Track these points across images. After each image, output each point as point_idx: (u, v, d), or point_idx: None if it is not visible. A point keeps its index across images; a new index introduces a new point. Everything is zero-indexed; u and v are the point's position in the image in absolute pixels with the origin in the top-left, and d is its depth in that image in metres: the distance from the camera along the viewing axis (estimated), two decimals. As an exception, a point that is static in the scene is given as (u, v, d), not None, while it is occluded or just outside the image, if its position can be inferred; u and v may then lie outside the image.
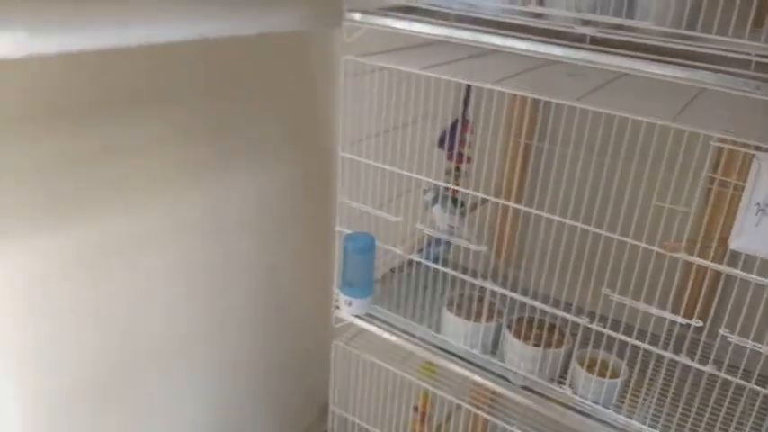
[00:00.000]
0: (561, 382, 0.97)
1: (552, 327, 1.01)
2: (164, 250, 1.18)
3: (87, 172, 1.02)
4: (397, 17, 0.94)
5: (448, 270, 1.02)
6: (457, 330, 1.04)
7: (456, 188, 1.05)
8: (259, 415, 1.59)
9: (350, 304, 1.08)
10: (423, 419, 1.29)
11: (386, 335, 1.10)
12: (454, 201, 1.08)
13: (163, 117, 1.11)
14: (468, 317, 1.03)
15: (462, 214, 1.08)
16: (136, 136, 1.08)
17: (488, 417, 1.06)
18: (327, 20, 1.22)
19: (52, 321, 1.03)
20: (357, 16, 0.97)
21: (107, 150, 1.04)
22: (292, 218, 1.45)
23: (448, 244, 1.06)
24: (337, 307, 1.15)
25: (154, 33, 0.91)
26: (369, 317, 1.12)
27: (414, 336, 1.08)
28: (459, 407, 1.24)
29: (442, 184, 1.01)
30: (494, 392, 1.09)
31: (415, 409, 1.30)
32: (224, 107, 1.21)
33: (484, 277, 0.99)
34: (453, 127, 1.06)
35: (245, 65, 1.23)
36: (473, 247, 0.99)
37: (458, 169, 1.10)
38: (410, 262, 1.21)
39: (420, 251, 1.18)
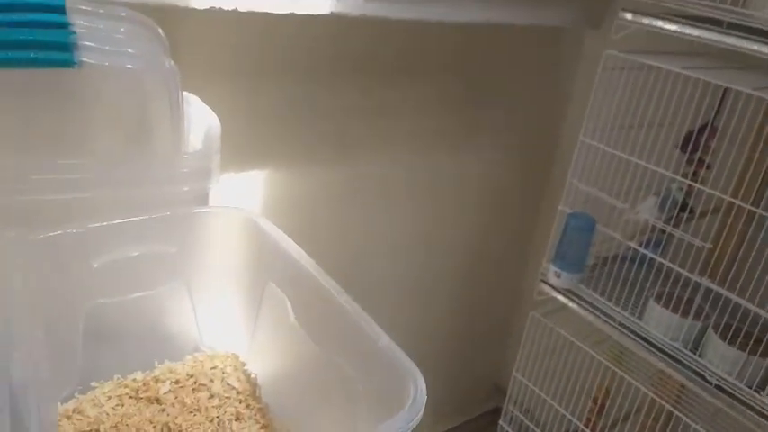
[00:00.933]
0: (758, 392, 0.98)
1: (760, 339, 1.02)
2: (397, 201, 1.36)
3: (363, 124, 1.22)
4: (669, 20, 1.02)
5: (665, 262, 1.07)
6: (661, 321, 1.08)
7: (694, 185, 1.09)
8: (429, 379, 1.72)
9: (558, 276, 1.17)
10: (600, 411, 1.33)
11: (584, 314, 1.17)
12: (683, 206, 1.13)
13: (424, 87, 1.29)
14: (675, 311, 1.07)
15: (689, 220, 1.12)
16: (401, 100, 1.27)
17: (674, 410, 1.08)
18: (591, 20, 1.33)
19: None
20: (629, 16, 1.07)
21: (381, 107, 1.24)
22: (509, 193, 1.57)
23: (658, 247, 1.11)
24: (543, 280, 1.24)
25: (449, 12, 1.09)
26: (571, 294, 1.20)
27: (614, 320, 1.14)
28: (638, 410, 1.27)
29: (686, 180, 1.06)
30: (681, 391, 1.11)
31: (594, 400, 1.35)
32: (472, 85, 1.36)
33: (701, 274, 1.03)
34: (700, 131, 1.11)
35: (497, 50, 1.38)
36: (697, 242, 1.03)
37: (695, 174, 1.14)
38: (616, 257, 1.27)
39: (630, 249, 1.24)
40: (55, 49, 0.61)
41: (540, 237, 1.65)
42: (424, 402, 0.49)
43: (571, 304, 1.20)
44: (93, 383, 0.70)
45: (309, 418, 0.68)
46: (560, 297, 1.21)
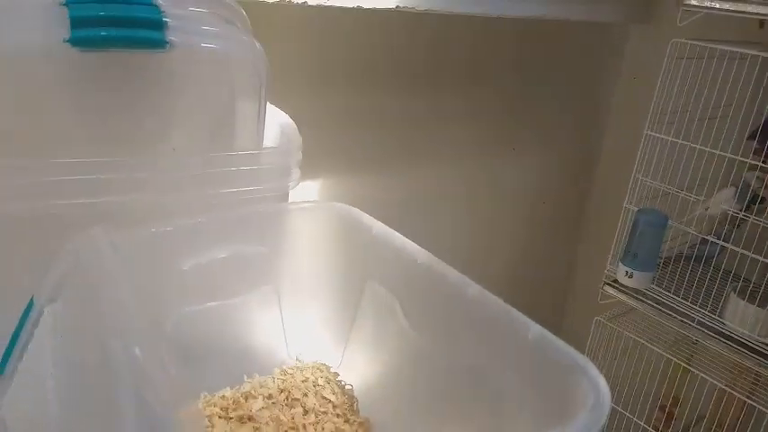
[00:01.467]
0: None
1: None
2: (454, 205, 1.30)
3: (416, 131, 1.17)
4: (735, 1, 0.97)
5: (747, 253, 1.01)
6: (746, 317, 1.01)
7: None
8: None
9: (631, 276, 1.10)
10: (669, 419, 1.26)
11: (657, 315, 1.10)
12: (753, 198, 1.07)
13: (475, 92, 1.24)
14: (762, 305, 1.00)
15: (759, 212, 1.06)
16: (450, 107, 1.22)
17: (750, 401, 1.01)
18: (641, 14, 1.28)
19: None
20: (694, 1, 1.02)
21: (430, 114, 1.19)
22: (554, 195, 1.51)
23: (717, 246, 1.05)
24: (608, 283, 1.18)
25: (511, 6, 1.04)
26: (640, 295, 1.14)
27: (692, 320, 1.07)
28: (705, 417, 1.19)
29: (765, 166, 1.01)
30: (753, 389, 1.04)
31: (662, 408, 1.27)
32: (521, 85, 1.31)
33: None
34: (770, 121, 1.06)
35: (545, 49, 1.33)
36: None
37: (765, 163, 1.08)
38: (679, 256, 1.21)
39: (695, 246, 1.18)
40: (146, 27, 0.54)
41: (588, 238, 1.58)
42: (609, 404, 0.41)
43: (640, 306, 1.13)
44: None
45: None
46: (627, 299, 1.15)
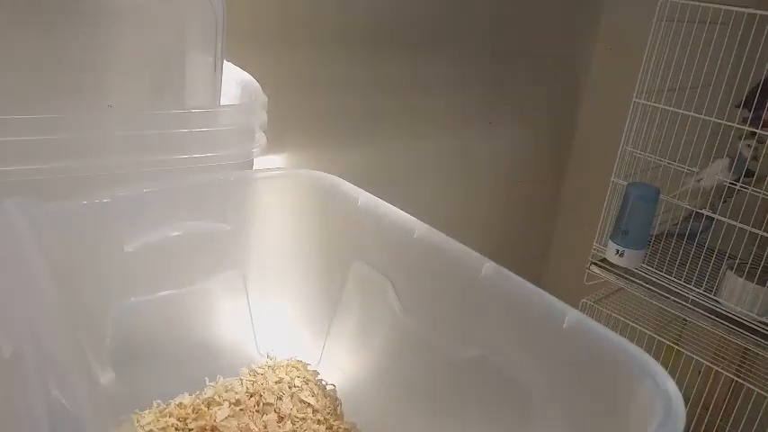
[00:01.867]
0: None
1: None
2: (426, 178, 1.20)
3: (387, 99, 1.07)
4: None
5: (746, 227, 0.94)
6: (743, 295, 0.95)
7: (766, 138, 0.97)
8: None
9: (621, 255, 1.03)
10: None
11: (648, 295, 1.03)
12: (748, 172, 1.01)
13: (449, 59, 1.14)
14: (761, 283, 0.94)
15: (747, 184, 1.00)
16: (423, 75, 1.12)
17: (738, 379, 0.95)
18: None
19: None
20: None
21: (403, 81, 1.09)
22: (529, 173, 1.43)
23: (709, 221, 0.99)
24: (594, 262, 1.10)
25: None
26: (628, 274, 1.06)
27: (686, 299, 1.00)
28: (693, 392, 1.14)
29: (757, 131, 0.94)
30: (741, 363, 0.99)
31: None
32: (497, 55, 1.22)
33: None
34: (765, 89, 0.99)
35: (521, 14, 1.24)
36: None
37: (753, 135, 1.02)
38: (669, 235, 1.14)
39: (682, 222, 1.12)
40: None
41: (568, 215, 1.51)
42: (683, 417, 0.32)
43: (631, 287, 1.06)
44: (123, 415, 0.51)
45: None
46: (616, 280, 1.07)
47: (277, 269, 0.56)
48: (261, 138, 0.59)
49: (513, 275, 0.41)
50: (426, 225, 0.47)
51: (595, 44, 1.37)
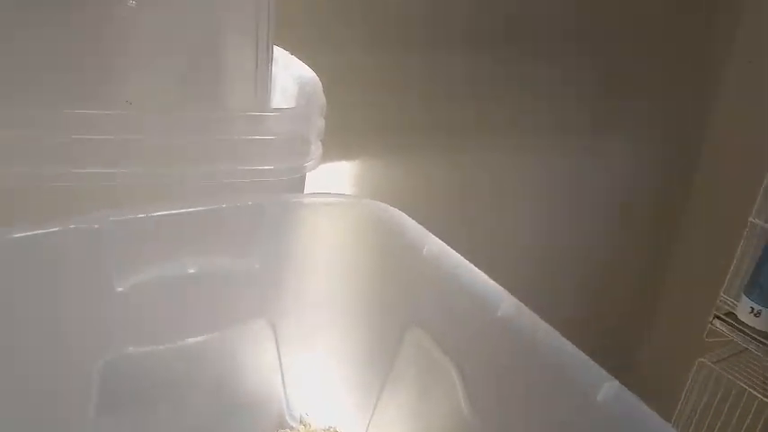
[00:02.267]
0: None
1: None
2: (510, 199, 1.05)
3: (473, 104, 0.92)
4: None
5: None
6: None
7: None
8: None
9: (757, 314, 0.83)
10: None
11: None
12: None
13: (543, 63, 0.97)
14: None
15: None
16: (517, 75, 0.96)
17: None
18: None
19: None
20: None
21: (494, 83, 0.94)
22: (640, 200, 1.23)
23: None
24: (718, 316, 0.91)
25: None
26: (760, 336, 0.87)
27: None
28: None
29: None
30: None
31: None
32: (603, 65, 1.04)
33: None
34: None
35: (640, 17, 1.05)
36: None
37: None
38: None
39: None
40: None
41: (687, 255, 1.29)
42: None
43: (760, 349, 0.86)
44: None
45: None
46: (745, 342, 0.88)
47: (314, 320, 0.44)
48: (316, 150, 0.47)
49: (646, 409, 0.26)
50: (516, 301, 0.33)
51: (731, 54, 1.15)
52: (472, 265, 0.36)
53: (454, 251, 0.37)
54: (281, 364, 0.45)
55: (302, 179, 0.49)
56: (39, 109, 0.38)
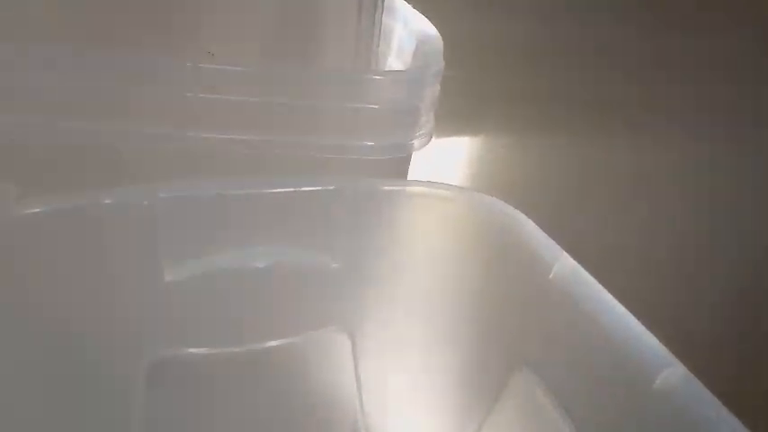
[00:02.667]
0: None
1: None
2: (654, 194, 0.89)
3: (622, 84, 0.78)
4: None
5: None
6: None
7: None
8: None
9: None
10: None
11: None
12: None
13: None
14: None
15: None
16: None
17: None
18: None
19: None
20: None
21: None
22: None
23: None
24: None
25: None
26: None
27: None
28: None
29: None
30: None
31: None
32: None
33: None
34: None
35: None
36: None
37: None
38: None
39: None
40: None
41: None
42: None
43: None
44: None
45: None
46: None
47: (400, 333, 0.35)
48: (428, 123, 0.39)
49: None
50: (684, 370, 0.22)
51: None
52: (618, 304, 0.26)
53: (592, 278, 0.27)
54: (358, 379, 0.38)
55: (407, 160, 0.41)
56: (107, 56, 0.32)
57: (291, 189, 0.31)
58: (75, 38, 0.34)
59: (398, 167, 0.40)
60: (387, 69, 0.42)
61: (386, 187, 0.31)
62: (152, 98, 0.33)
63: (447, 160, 0.72)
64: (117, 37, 0.35)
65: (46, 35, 0.34)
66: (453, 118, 0.68)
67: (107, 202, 0.27)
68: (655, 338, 0.24)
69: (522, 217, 0.31)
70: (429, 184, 0.32)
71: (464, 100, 0.61)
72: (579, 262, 0.27)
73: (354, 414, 0.37)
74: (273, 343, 0.34)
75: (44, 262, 0.26)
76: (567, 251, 0.29)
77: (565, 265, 0.28)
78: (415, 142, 0.38)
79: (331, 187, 0.31)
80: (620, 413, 0.26)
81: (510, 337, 0.31)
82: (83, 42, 0.33)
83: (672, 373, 0.22)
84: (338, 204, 0.32)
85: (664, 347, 0.24)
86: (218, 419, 0.34)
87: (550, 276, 0.28)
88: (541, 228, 0.31)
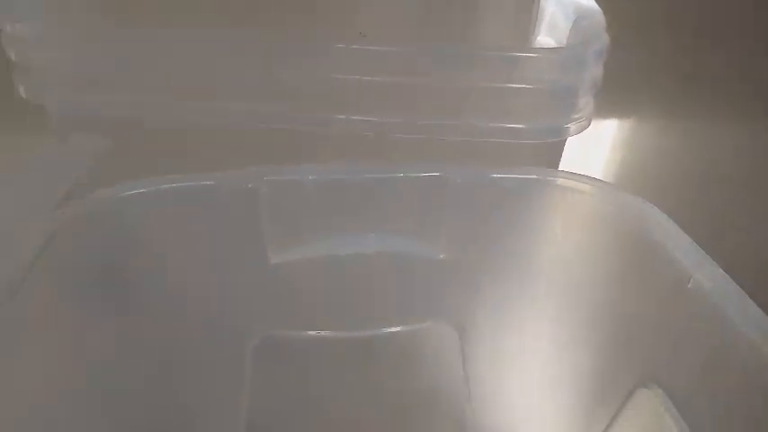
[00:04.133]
0: None
1: None
2: None
3: None
4: None
5: None
6: None
7: None
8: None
9: None
10: None
11: None
12: None
13: None
14: None
15: None
16: None
17: None
18: None
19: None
20: None
21: None
22: None
23: None
24: None
25: None
26: None
27: None
28: None
29: None
30: None
31: None
32: None
33: None
34: None
35: None
36: None
37: None
38: None
39: None
40: None
41: None
42: None
43: None
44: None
45: None
46: None
47: (520, 333, 0.33)
48: (587, 105, 0.35)
49: None
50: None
51: None
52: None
53: (741, 291, 0.23)
54: (466, 376, 0.36)
55: (560, 146, 0.37)
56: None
57: (405, 175, 0.29)
58: (222, 22, 0.35)
59: (550, 155, 0.37)
60: (543, 46, 0.38)
61: (523, 180, 0.29)
62: (302, 81, 0.32)
63: (600, 147, 0.66)
64: (263, 19, 0.35)
65: (196, 19, 0.35)
66: (611, 101, 0.62)
67: (210, 183, 0.27)
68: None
69: (663, 218, 0.27)
70: (566, 175, 0.29)
71: (626, 82, 0.56)
72: (733, 273, 0.24)
73: (461, 406, 0.36)
74: (377, 331, 0.33)
75: (154, 242, 0.27)
76: (719, 259, 0.25)
77: (708, 274, 0.24)
78: (572, 126, 0.35)
79: (447, 176, 0.29)
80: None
81: (636, 349, 0.27)
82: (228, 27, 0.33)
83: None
84: (457, 194, 0.30)
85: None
86: (319, 400, 0.34)
87: (689, 285, 0.24)
88: (693, 230, 0.27)
